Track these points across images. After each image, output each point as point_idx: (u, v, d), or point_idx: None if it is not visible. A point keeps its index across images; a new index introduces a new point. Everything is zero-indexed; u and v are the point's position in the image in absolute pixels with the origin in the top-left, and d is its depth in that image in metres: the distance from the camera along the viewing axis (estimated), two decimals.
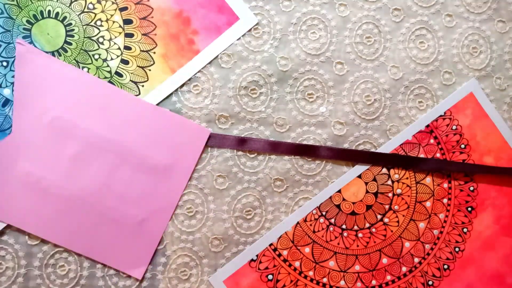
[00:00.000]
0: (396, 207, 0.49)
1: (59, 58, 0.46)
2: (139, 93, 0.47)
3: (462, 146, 0.50)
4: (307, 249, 0.48)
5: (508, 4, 0.51)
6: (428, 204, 0.50)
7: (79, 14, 0.46)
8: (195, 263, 0.47)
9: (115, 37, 0.47)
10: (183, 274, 0.47)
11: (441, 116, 0.50)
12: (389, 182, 0.49)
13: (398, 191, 0.49)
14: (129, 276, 0.46)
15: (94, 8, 0.47)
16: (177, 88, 0.47)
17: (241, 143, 0.47)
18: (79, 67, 0.46)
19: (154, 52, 0.47)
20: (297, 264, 0.48)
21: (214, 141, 0.47)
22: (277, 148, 0.48)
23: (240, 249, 0.47)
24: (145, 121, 0.46)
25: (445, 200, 0.50)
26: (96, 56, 0.46)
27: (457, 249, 0.50)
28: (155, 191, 0.46)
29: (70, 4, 0.46)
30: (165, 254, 0.46)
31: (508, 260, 0.50)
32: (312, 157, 0.48)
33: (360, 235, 0.49)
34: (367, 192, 0.49)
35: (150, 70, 0.47)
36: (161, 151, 0.46)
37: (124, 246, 0.46)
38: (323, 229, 0.48)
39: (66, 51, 0.46)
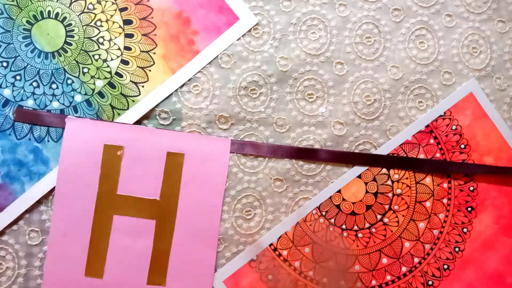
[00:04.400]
0: (396, 207, 0.49)
1: (59, 59, 0.46)
2: (139, 94, 0.47)
3: (462, 146, 0.50)
4: (307, 249, 0.48)
5: (508, 4, 0.51)
6: (428, 204, 0.50)
7: (79, 15, 0.47)
8: None
9: (115, 37, 0.47)
10: None
11: (441, 116, 0.50)
12: (389, 182, 0.49)
13: (398, 191, 0.49)
14: None
15: (94, 9, 0.47)
16: (177, 89, 0.47)
17: (241, 147, 0.47)
18: (79, 68, 0.46)
19: (154, 53, 0.47)
20: (297, 264, 0.48)
21: None
22: (275, 152, 0.48)
23: (240, 249, 0.47)
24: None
25: (445, 200, 0.50)
26: (96, 57, 0.47)
27: (457, 249, 0.50)
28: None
29: (70, 5, 0.46)
30: None
31: (508, 260, 0.50)
32: (311, 160, 0.48)
33: (360, 235, 0.49)
34: (367, 192, 0.49)
35: (150, 70, 0.47)
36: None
37: None
38: (323, 229, 0.49)
39: (66, 52, 0.46)
